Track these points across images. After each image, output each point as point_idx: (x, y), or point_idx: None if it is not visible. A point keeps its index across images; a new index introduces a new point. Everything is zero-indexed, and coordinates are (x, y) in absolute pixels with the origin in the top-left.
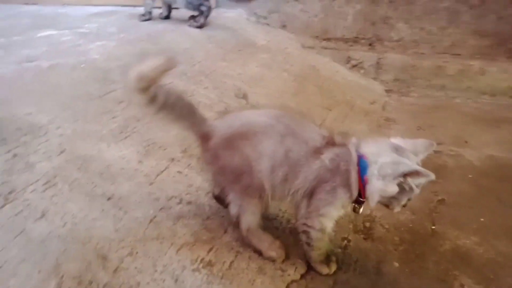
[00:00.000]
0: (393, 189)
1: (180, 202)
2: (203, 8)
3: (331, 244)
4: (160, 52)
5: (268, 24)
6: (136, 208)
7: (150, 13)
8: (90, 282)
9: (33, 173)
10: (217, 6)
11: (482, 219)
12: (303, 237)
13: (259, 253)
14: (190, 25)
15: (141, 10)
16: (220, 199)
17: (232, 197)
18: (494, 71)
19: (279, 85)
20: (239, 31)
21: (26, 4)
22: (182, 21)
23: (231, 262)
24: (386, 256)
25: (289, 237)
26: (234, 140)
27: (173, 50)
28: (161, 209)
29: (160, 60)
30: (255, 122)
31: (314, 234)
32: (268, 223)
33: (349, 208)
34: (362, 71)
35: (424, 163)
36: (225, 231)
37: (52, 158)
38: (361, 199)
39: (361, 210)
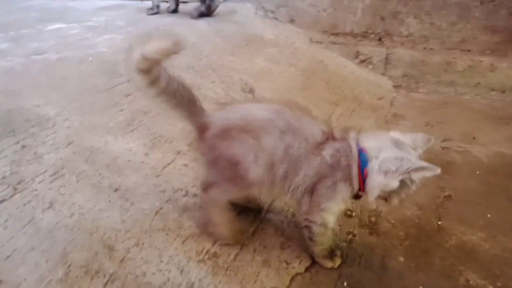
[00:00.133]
0: (394, 184)
1: (186, 195)
2: None
3: (335, 238)
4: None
5: (276, 19)
6: (142, 199)
7: (158, 7)
8: (97, 272)
9: (41, 164)
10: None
11: (489, 215)
12: (306, 232)
13: (205, 225)
14: (191, 17)
15: (149, 4)
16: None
17: (215, 175)
18: (504, 67)
19: (286, 80)
20: (247, 25)
21: None
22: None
23: (236, 254)
24: (391, 251)
25: (294, 231)
26: (232, 131)
27: None
28: (167, 201)
29: (166, 43)
30: (255, 116)
31: (316, 229)
32: (273, 216)
33: (350, 202)
34: (370, 66)
35: (432, 159)
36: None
37: (60, 150)
38: (360, 193)
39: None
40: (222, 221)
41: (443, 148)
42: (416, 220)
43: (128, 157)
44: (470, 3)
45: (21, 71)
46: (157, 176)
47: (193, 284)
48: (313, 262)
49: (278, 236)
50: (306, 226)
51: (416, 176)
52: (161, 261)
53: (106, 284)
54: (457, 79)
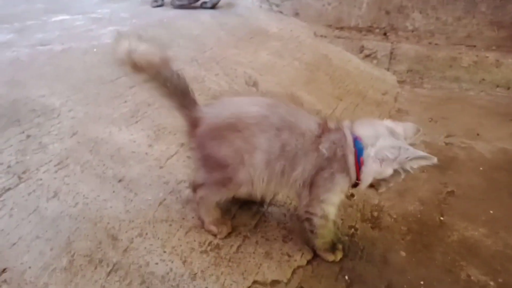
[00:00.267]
0: (389, 172)
1: (189, 186)
2: None
3: (337, 232)
4: (171, 40)
5: (281, 12)
6: (146, 190)
7: None
8: (101, 261)
9: (46, 154)
10: None
11: (491, 212)
12: (307, 225)
13: (201, 223)
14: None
15: None
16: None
17: (204, 175)
18: (510, 63)
19: (290, 74)
20: (251, 18)
21: None
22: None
23: (239, 246)
24: (393, 245)
25: (296, 224)
26: (222, 131)
27: (185, 37)
28: (170, 192)
29: (154, 56)
30: (247, 112)
31: (317, 221)
32: (276, 209)
33: (349, 192)
34: (375, 61)
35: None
36: (233, 216)
37: (65, 140)
38: (357, 181)
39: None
40: (212, 219)
41: (446, 144)
42: (418, 215)
43: (132, 148)
44: None
45: (27, 62)
46: (161, 167)
47: (195, 274)
48: (315, 255)
49: (280, 229)
50: (307, 219)
51: (412, 165)
52: (164, 252)
53: (109, 273)
54: (462, 75)
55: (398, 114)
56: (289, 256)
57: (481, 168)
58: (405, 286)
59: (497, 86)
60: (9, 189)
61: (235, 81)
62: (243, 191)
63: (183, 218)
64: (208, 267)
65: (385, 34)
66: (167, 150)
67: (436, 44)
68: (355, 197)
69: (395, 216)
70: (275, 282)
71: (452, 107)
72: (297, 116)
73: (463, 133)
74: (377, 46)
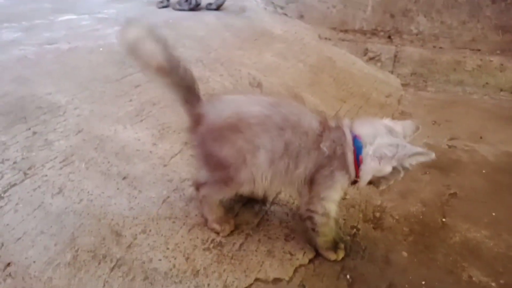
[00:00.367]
0: (388, 169)
1: (192, 185)
2: None
3: (339, 231)
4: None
5: (285, 14)
6: (150, 188)
7: (167, 0)
8: (104, 256)
9: (52, 151)
10: None
11: (494, 214)
12: (308, 224)
13: (205, 221)
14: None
15: None
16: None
17: (206, 173)
18: None
19: (294, 75)
20: (256, 20)
21: None
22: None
23: (241, 244)
24: (395, 245)
25: (298, 223)
26: (224, 131)
27: (190, 37)
28: (174, 190)
29: (152, 60)
30: (249, 111)
31: (318, 218)
32: (278, 208)
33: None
34: (379, 64)
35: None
36: (236, 214)
37: (70, 137)
38: (356, 179)
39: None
40: (215, 217)
41: (450, 146)
42: (421, 217)
43: (136, 146)
44: (482, 2)
45: (34, 60)
46: (165, 165)
47: (198, 271)
48: (317, 254)
49: (283, 228)
50: (309, 217)
51: (410, 162)
52: (167, 248)
53: (113, 268)
54: (466, 79)
55: (401, 117)
56: (291, 254)
57: (484, 171)
58: (406, 286)
59: (501, 90)
60: (14, 184)
61: (240, 82)
62: (245, 190)
63: (186, 216)
64: (211, 264)
65: (389, 37)
66: (171, 149)
67: (440, 47)
68: (347, 196)
69: (397, 217)
70: (277, 280)
71: (456, 110)
72: (299, 114)
73: (466, 136)
74: (381, 49)
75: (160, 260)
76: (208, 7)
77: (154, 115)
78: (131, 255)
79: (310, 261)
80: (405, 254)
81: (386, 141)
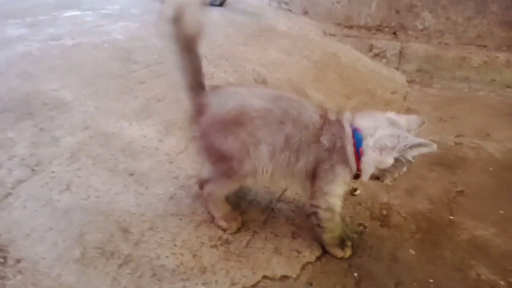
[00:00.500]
0: (390, 161)
1: (196, 183)
2: None
3: (345, 229)
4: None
5: (290, 10)
6: (156, 184)
7: None
8: (112, 253)
9: (59, 147)
10: None
11: (501, 211)
12: (313, 220)
13: (211, 218)
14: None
15: None
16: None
17: (209, 167)
18: None
19: (299, 71)
20: (260, 16)
21: None
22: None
23: (248, 241)
24: (402, 243)
25: (305, 220)
26: (227, 123)
27: None
28: (180, 187)
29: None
30: (251, 105)
31: (322, 213)
32: (285, 205)
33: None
34: (384, 60)
35: (444, 154)
36: (243, 212)
37: (76, 134)
38: (358, 172)
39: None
40: (222, 214)
41: (456, 143)
42: (428, 214)
43: (142, 143)
44: None
45: (38, 56)
46: (171, 162)
47: (205, 268)
48: (324, 251)
49: (289, 225)
50: (313, 213)
51: (412, 153)
52: (175, 245)
53: (121, 265)
54: (472, 75)
55: (407, 113)
56: (298, 252)
57: (490, 168)
58: (414, 283)
59: (507, 87)
60: (23, 181)
61: (244, 78)
62: (248, 183)
63: (193, 213)
64: (218, 261)
65: (394, 33)
66: (177, 146)
67: (446, 43)
68: (357, 192)
69: (404, 215)
70: (284, 277)
71: (462, 107)
72: (300, 108)
73: (472, 133)
74: (386, 45)
75: (167, 257)
76: (212, 3)
77: (159, 111)
78: (138, 251)
79: (317, 258)
80: (412, 251)
81: (387, 132)
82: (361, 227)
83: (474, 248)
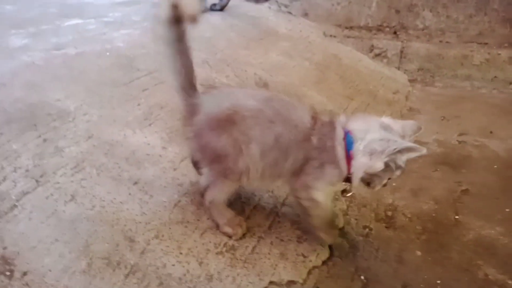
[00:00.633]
0: (379, 165)
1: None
2: None
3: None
4: None
5: (290, 13)
6: (161, 192)
7: None
8: (118, 263)
9: (63, 157)
10: None
11: (507, 210)
12: (298, 210)
13: (216, 226)
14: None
15: None
16: (197, 166)
17: (206, 171)
18: None
19: (301, 74)
20: (261, 19)
21: None
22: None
23: (254, 247)
24: (408, 244)
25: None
26: (220, 122)
27: (196, 39)
28: (185, 194)
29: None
30: (243, 104)
31: (305, 203)
32: (289, 210)
33: (339, 185)
34: (385, 60)
35: (448, 153)
36: (248, 217)
37: (80, 143)
38: (349, 175)
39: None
40: (226, 220)
41: (459, 142)
42: (433, 214)
43: (146, 151)
44: None
45: (42, 66)
46: (175, 169)
47: (212, 276)
48: (331, 255)
49: (294, 230)
50: (297, 203)
51: (403, 158)
52: (181, 253)
53: (127, 275)
54: (474, 73)
55: (410, 113)
56: (304, 256)
57: (495, 166)
58: (421, 285)
59: (510, 84)
60: (27, 192)
61: (246, 82)
62: (244, 182)
63: (198, 220)
64: (224, 268)
65: (395, 33)
66: (181, 152)
67: (447, 42)
68: (350, 194)
69: (409, 216)
70: (291, 282)
71: (465, 105)
72: (291, 109)
73: (476, 131)
74: (387, 45)
75: (173, 265)
76: (213, 8)
77: (162, 118)
78: (145, 261)
79: (324, 262)
80: (418, 253)
81: (378, 136)
82: (367, 229)
83: (481, 248)
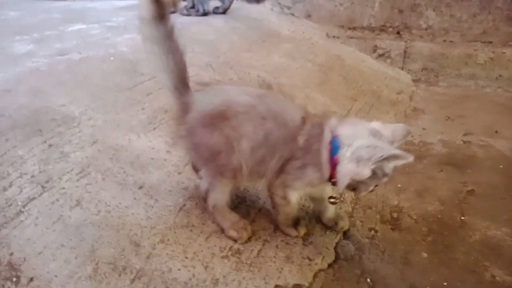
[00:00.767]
0: (366, 172)
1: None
2: None
3: (300, 211)
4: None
5: (292, 14)
6: (166, 196)
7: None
8: (124, 268)
9: (68, 163)
10: None
11: None
12: (270, 201)
13: (221, 230)
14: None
15: None
16: (197, 169)
17: (204, 173)
18: None
19: (304, 76)
20: (263, 21)
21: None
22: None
23: (259, 251)
24: (414, 246)
25: (315, 227)
26: (213, 118)
27: (199, 42)
28: (189, 198)
29: None
30: (236, 101)
31: (277, 200)
32: None
33: (319, 188)
34: (389, 60)
35: (453, 153)
36: (253, 220)
37: (85, 148)
38: (333, 180)
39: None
40: (231, 224)
41: (464, 142)
42: (439, 216)
43: (151, 155)
44: None
45: (46, 72)
46: (179, 173)
47: (217, 280)
48: (336, 258)
49: None
50: (270, 196)
51: (389, 165)
52: (186, 257)
53: (133, 280)
54: (478, 72)
55: (414, 113)
56: (309, 259)
57: (500, 166)
58: (428, 287)
59: None
60: (33, 198)
61: (249, 85)
62: (240, 179)
63: (203, 224)
64: (230, 272)
65: (398, 33)
66: (185, 156)
67: (451, 41)
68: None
69: (415, 217)
70: (297, 286)
71: (469, 104)
72: (282, 106)
73: (481, 131)
74: (390, 45)
75: (179, 269)
76: (215, 11)
77: (166, 122)
78: (150, 265)
79: (329, 265)
80: (424, 254)
81: (365, 143)
82: (372, 231)
83: (488, 249)
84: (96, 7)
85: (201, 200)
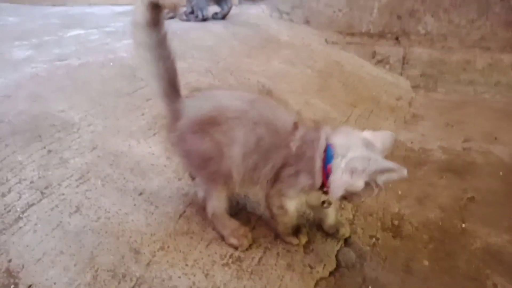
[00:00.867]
0: (360, 184)
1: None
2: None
3: (301, 218)
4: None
5: (291, 20)
6: (166, 203)
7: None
8: (124, 275)
9: (67, 169)
10: (240, 3)
11: None
12: (267, 212)
13: (222, 238)
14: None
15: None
16: (193, 177)
17: (198, 181)
18: None
19: (303, 81)
20: (263, 27)
21: (54, 5)
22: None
23: (260, 258)
24: (415, 254)
25: (316, 235)
26: (203, 124)
27: (198, 48)
28: (190, 204)
29: None
30: (227, 106)
31: (275, 210)
32: None
33: (312, 195)
34: (387, 66)
35: (453, 160)
36: (253, 227)
37: (85, 154)
38: (325, 189)
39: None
40: (230, 231)
41: (464, 148)
42: (440, 223)
43: (151, 161)
44: None
45: (46, 77)
46: (180, 179)
47: None
48: (338, 266)
49: None
50: (267, 207)
51: (382, 178)
52: (186, 265)
53: None
54: (477, 78)
55: (413, 119)
56: (311, 267)
57: (500, 173)
58: None
59: None
60: (32, 204)
61: (249, 90)
62: (232, 187)
63: (203, 230)
64: (231, 280)
65: (397, 38)
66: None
67: (449, 47)
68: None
69: (416, 224)
70: None
71: (468, 111)
72: (275, 112)
73: (480, 137)
74: (389, 51)
75: (179, 277)
76: (214, 17)
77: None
78: (150, 273)
79: (331, 273)
80: (426, 262)
81: (359, 154)
82: (373, 239)
83: (489, 256)
84: (94, 12)
85: (201, 207)
